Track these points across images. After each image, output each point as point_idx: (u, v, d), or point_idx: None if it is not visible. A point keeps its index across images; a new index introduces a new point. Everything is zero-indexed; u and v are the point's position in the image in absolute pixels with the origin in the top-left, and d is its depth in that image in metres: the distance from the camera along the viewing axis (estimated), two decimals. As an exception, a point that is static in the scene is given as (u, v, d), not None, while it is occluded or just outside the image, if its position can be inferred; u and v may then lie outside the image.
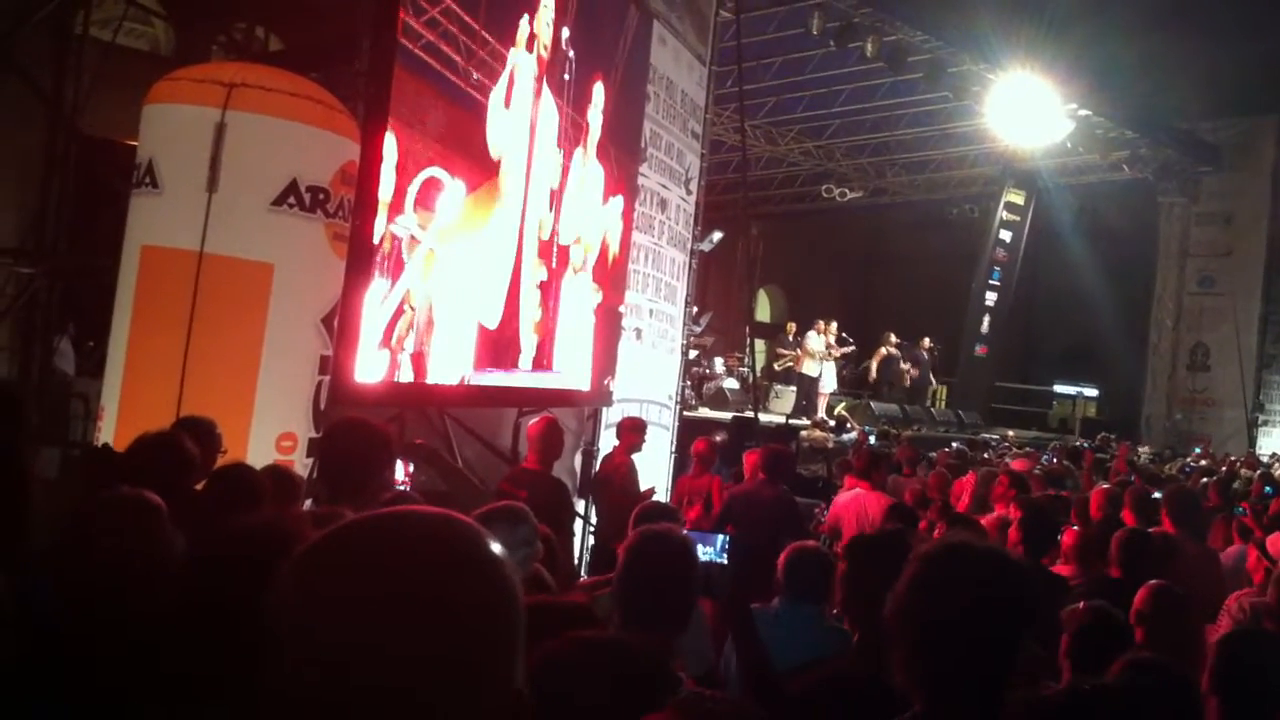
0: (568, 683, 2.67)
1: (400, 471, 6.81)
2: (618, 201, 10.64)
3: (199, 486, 4.16)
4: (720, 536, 3.37)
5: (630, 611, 3.15)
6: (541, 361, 9.29)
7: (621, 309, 11.09)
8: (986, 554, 2.43)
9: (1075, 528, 6.59)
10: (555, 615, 3.08)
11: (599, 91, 9.95)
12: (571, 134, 9.46)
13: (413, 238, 7.16)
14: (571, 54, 9.25)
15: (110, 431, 5.71)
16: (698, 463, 9.25)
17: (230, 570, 2.22)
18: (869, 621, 3.19)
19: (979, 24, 18.90)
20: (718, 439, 11.37)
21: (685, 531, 3.60)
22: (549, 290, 9.26)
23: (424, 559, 1.10)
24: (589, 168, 9.89)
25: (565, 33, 9.11)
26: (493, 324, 8.39)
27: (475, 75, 7.79)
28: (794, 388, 20.87)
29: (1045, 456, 15.42)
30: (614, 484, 8.81)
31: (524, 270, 8.82)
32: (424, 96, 7.15)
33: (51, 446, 7.38)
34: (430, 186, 7.27)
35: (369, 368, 6.76)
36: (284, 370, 6.00)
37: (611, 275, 10.70)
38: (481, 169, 8.07)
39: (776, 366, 21.69)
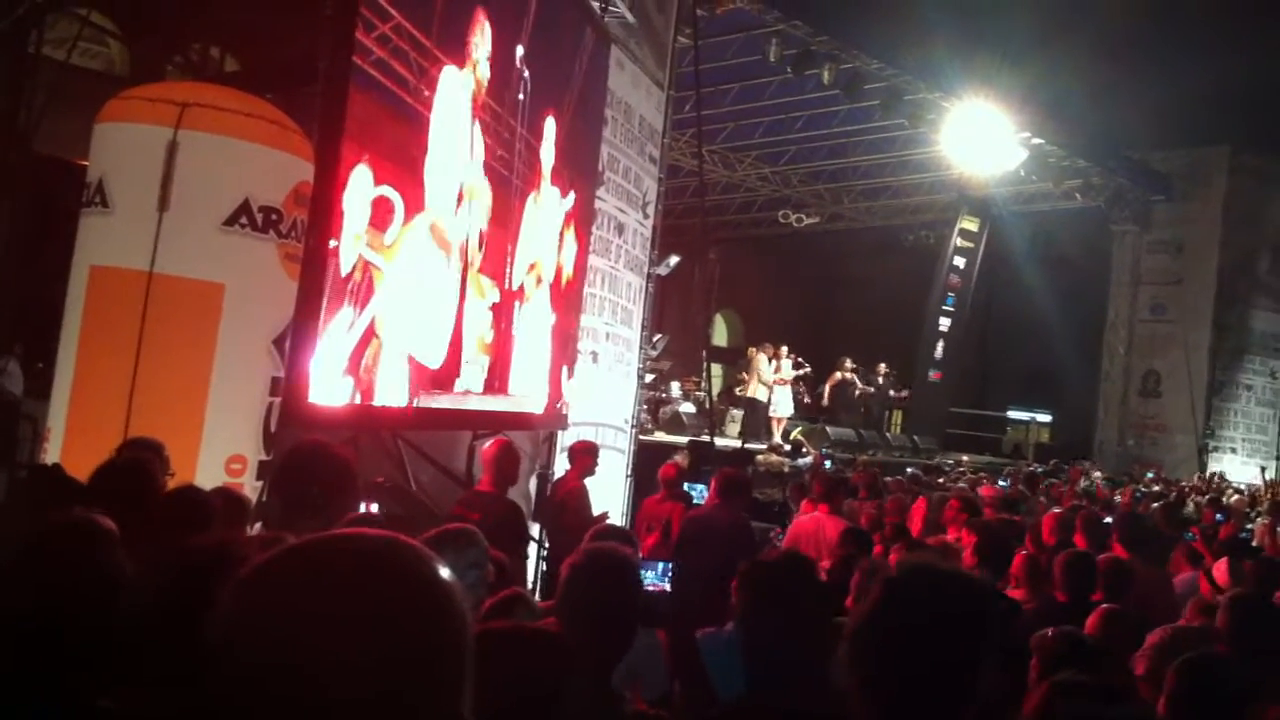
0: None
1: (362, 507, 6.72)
2: (572, 225, 10.64)
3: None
4: (663, 563, 3.35)
5: (572, 629, 3.12)
6: (494, 384, 9.23)
7: (578, 332, 11.08)
8: (951, 574, 2.41)
9: (1025, 552, 6.62)
10: (523, 644, 3.02)
11: (553, 114, 9.93)
12: (525, 155, 9.43)
13: (370, 263, 7.09)
14: (526, 73, 9.23)
15: (57, 452, 5.63)
16: (664, 488, 9.16)
17: (175, 589, 2.19)
18: (770, 653, 3.06)
19: (935, 53, 19.11)
20: (678, 458, 11.35)
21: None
22: (502, 313, 9.21)
23: (366, 580, 1.09)
24: (544, 189, 9.88)
25: (520, 51, 9.08)
26: (437, 351, 8.31)
27: (427, 93, 7.69)
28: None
29: (1000, 481, 15.51)
30: (568, 508, 8.76)
31: (468, 292, 8.77)
32: (375, 113, 7.04)
33: (-2, 468, 7.29)
34: (380, 206, 7.15)
35: (330, 394, 6.68)
36: (234, 392, 5.95)
37: (566, 298, 10.69)
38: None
39: (737, 391, 21.67)
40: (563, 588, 3.17)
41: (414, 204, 7.61)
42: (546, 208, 9.99)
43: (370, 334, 7.05)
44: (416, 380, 7.99)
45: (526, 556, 8.31)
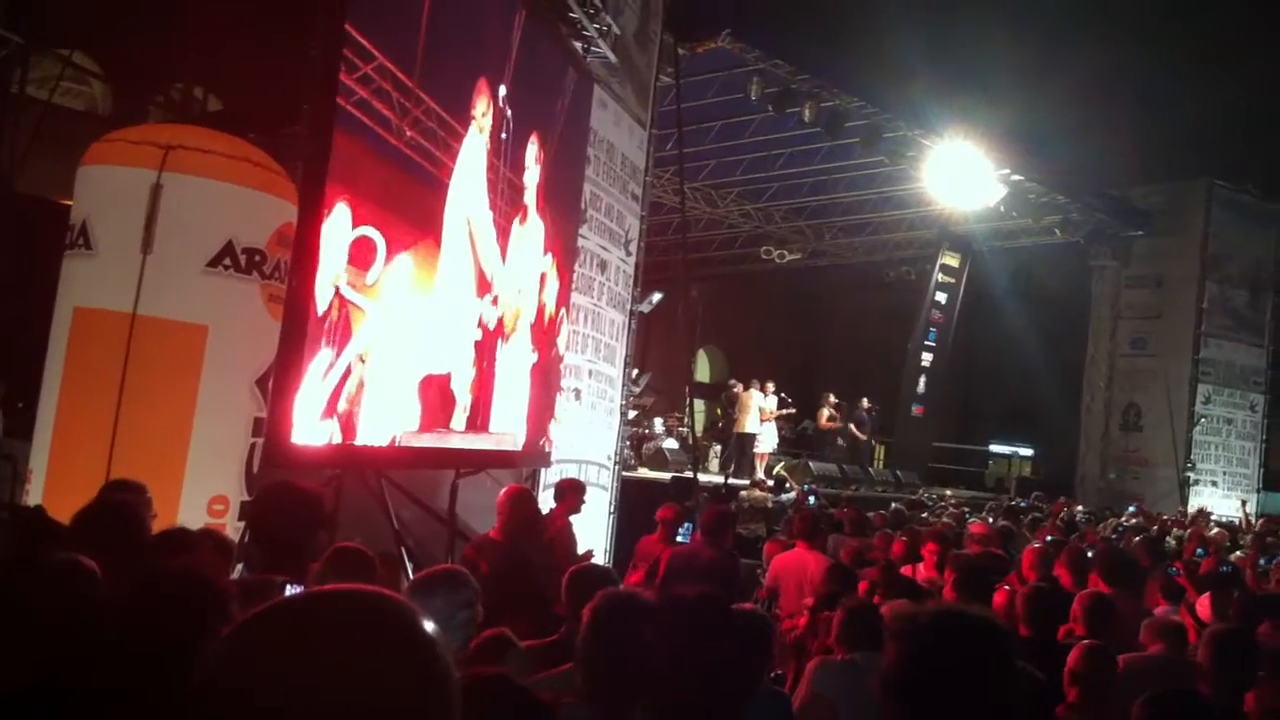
0: None
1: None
2: (553, 262, 10.68)
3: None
4: None
5: (594, 676, 3.13)
6: (476, 422, 9.23)
7: (560, 369, 11.10)
8: (981, 622, 2.47)
9: (1006, 588, 6.63)
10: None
11: (535, 152, 9.98)
12: (508, 194, 9.48)
13: (352, 302, 7.09)
14: (509, 113, 9.28)
15: (39, 494, 5.63)
16: (662, 527, 9.09)
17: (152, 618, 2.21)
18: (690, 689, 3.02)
19: (914, 91, 19.27)
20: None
21: None
22: (484, 350, 9.23)
23: (354, 638, 1.11)
24: (527, 227, 9.92)
25: (503, 90, 9.14)
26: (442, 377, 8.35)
27: (409, 133, 7.71)
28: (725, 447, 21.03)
29: (982, 516, 15.53)
30: (556, 548, 8.68)
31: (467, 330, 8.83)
32: (357, 154, 7.06)
33: (-22, 510, 7.23)
34: (361, 246, 7.15)
35: (311, 436, 6.68)
36: (217, 432, 5.95)
37: (548, 335, 10.71)
38: (414, 228, 8.01)
39: (722, 426, 21.64)
40: (585, 632, 3.18)
41: (397, 242, 7.60)
42: (528, 245, 10.02)
43: (348, 373, 7.04)
44: (424, 415, 8.03)
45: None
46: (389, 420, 7.76)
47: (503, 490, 7.20)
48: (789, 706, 4.25)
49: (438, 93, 8.11)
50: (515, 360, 9.89)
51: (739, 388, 21.25)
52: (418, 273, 8.04)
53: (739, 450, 20.42)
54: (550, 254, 10.54)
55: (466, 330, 9.02)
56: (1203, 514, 20.49)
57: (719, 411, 21.64)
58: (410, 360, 8.11)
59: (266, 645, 1.11)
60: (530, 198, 9.95)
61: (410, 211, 7.99)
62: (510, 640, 3.96)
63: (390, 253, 7.52)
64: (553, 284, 10.70)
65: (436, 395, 8.48)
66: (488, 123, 8.87)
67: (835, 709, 4.62)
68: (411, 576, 5.72)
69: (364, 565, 4.13)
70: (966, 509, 17.42)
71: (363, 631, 1.12)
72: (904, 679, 2.34)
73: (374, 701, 1.08)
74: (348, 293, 6.99)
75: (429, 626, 1.16)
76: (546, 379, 10.77)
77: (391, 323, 7.68)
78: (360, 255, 7.14)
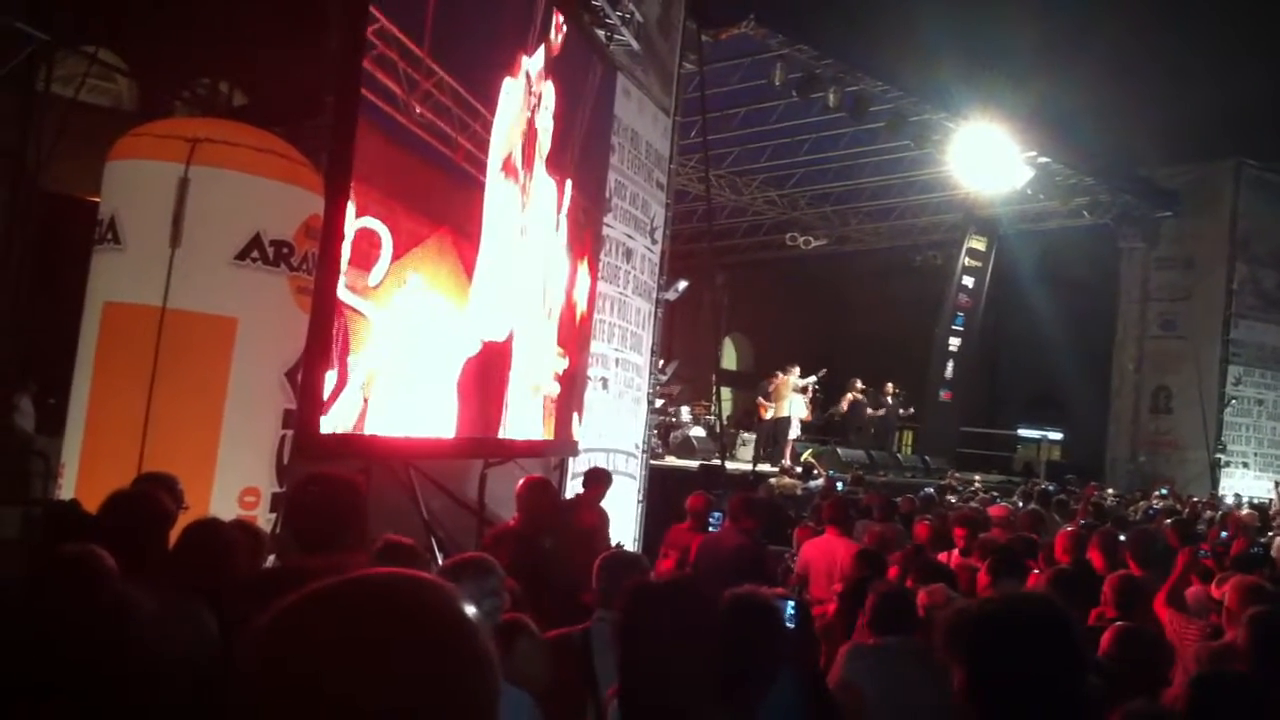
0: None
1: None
2: (585, 259, 10.68)
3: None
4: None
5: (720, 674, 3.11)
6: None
7: (588, 361, 11.10)
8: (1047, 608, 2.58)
9: (1037, 571, 6.61)
10: None
11: (569, 149, 9.95)
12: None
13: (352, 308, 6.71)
14: (540, 92, 9.24)
15: (71, 489, 5.66)
16: (691, 518, 9.04)
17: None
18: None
19: (939, 74, 19.16)
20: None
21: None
22: (501, 359, 9.11)
23: (395, 621, 1.11)
24: (560, 222, 9.91)
25: (529, 66, 9.03)
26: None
27: (419, 110, 7.22)
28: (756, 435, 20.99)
29: (1013, 500, 15.47)
30: (598, 540, 8.49)
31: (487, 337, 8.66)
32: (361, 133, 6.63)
33: (12, 506, 7.30)
34: (363, 241, 6.75)
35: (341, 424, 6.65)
36: (247, 425, 5.98)
37: (578, 337, 10.69)
38: (427, 220, 7.58)
39: (767, 416, 21.50)
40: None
41: (407, 236, 7.25)
42: (558, 240, 10.00)
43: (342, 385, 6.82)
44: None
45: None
46: (417, 413, 7.72)
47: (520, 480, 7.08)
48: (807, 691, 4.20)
49: (450, 64, 7.58)
50: (541, 353, 9.85)
51: (779, 378, 21.19)
52: (430, 272, 7.61)
53: (772, 437, 20.37)
54: (580, 247, 10.51)
55: (486, 337, 8.67)
56: (1212, 497, 20.47)
57: (759, 401, 21.44)
58: (422, 378, 7.73)
59: (305, 633, 1.10)
60: (566, 194, 9.92)
61: (421, 200, 7.50)
62: (523, 626, 3.94)
63: (398, 249, 7.08)
64: (584, 280, 10.67)
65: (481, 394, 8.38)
66: (520, 100, 8.71)
67: (861, 694, 4.60)
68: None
69: (414, 559, 4.16)
70: (995, 493, 17.36)
71: (402, 616, 1.12)
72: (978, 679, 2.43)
73: (417, 689, 1.08)
74: (346, 297, 6.59)
75: (469, 609, 1.16)
76: (575, 384, 10.75)
77: (399, 333, 7.31)
78: (361, 252, 6.71)
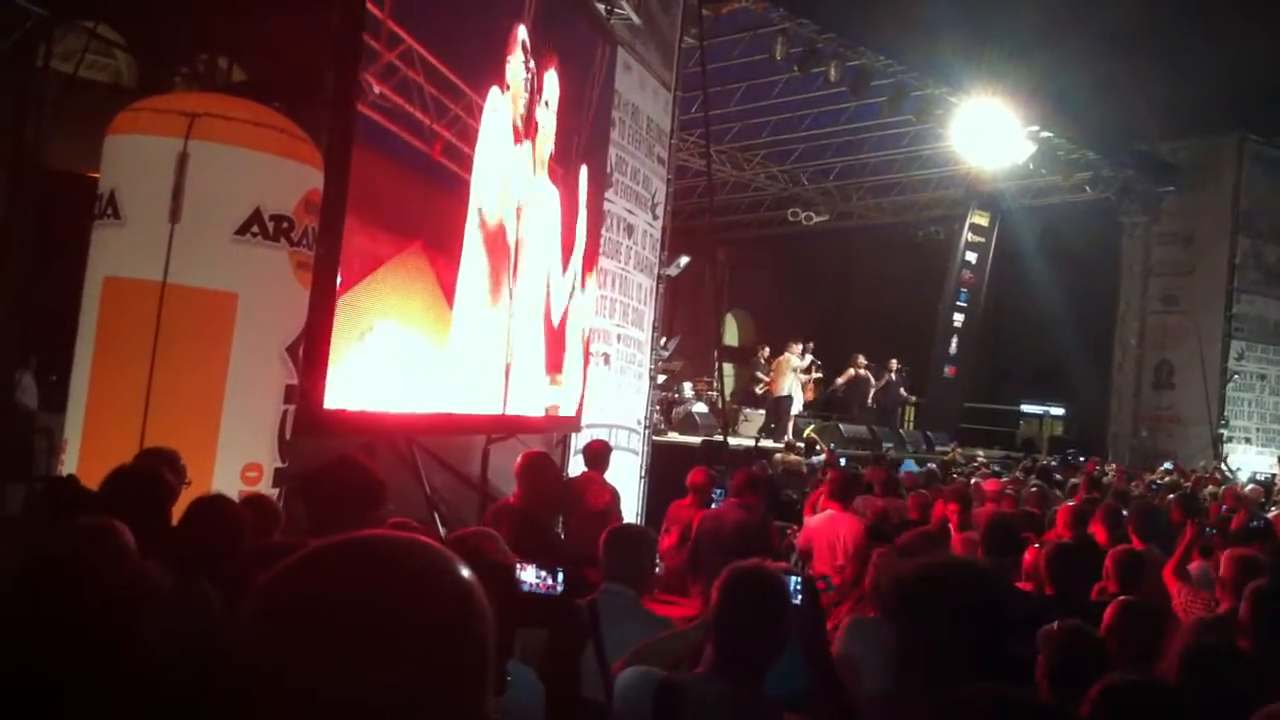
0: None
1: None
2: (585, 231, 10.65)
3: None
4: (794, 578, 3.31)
5: (725, 642, 3.15)
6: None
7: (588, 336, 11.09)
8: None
9: (1037, 545, 6.61)
10: None
11: (576, 130, 9.90)
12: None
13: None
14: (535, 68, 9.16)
15: (74, 465, 5.66)
16: (692, 493, 9.01)
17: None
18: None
19: (941, 48, 19.10)
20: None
21: None
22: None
23: (391, 579, 1.11)
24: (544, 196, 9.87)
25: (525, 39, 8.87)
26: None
27: (377, 89, 6.57)
28: (762, 411, 20.92)
29: (1015, 474, 15.49)
30: (610, 521, 8.37)
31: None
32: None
33: (15, 482, 7.31)
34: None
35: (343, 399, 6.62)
36: (249, 400, 5.97)
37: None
38: (394, 236, 6.98)
39: (757, 390, 21.55)
40: (717, 603, 3.19)
41: (361, 265, 6.68)
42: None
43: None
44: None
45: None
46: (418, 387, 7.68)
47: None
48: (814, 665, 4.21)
49: (425, 28, 7.06)
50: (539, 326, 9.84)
51: (766, 352, 21.21)
52: (398, 304, 7.08)
53: (775, 414, 20.36)
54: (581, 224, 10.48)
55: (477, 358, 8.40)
56: (1204, 469, 20.55)
57: (754, 376, 21.47)
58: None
59: (301, 593, 1.10)
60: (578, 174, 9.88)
61: (389, 213, 6.88)
62: None
63: (346, 280, 6.41)
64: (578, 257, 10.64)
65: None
66: (520, 82, 8.62)
67: (855, 665, 4.61)
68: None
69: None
70: (997, 468, 17.37)
71: (399, 574, 1.12)
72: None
73: (416, 647, 1.07)
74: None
75: (465, 570, 1.16)
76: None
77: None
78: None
